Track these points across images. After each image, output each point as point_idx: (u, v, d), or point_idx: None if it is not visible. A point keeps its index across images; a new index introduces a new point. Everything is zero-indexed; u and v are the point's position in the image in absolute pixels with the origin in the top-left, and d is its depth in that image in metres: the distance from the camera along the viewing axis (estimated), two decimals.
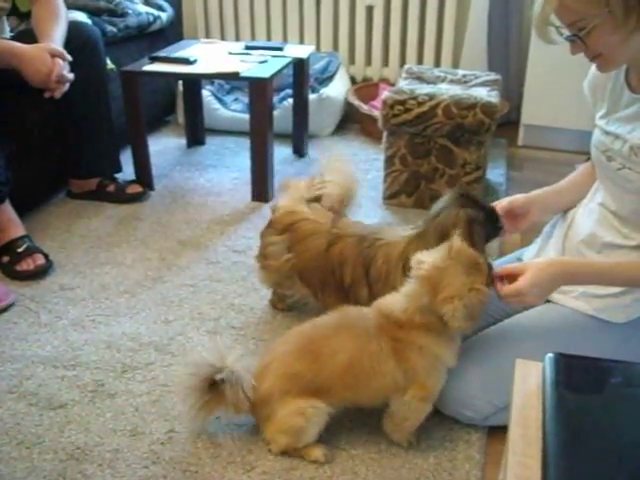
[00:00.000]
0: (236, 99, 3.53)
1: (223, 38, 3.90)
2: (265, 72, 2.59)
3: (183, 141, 3.35)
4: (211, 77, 2.57)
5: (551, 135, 3.39)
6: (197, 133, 3.30)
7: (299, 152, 3.24)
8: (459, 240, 1.58)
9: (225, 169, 3.13)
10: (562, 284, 1.61)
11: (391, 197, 2.83)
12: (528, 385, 1.05)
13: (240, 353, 1.69)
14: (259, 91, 2.56)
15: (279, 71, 2.68)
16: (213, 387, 1.63)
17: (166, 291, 2.24)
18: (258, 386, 1.65)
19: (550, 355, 1.06)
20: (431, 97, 2.60)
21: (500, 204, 1.87)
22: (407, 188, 2.79)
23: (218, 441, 1.67)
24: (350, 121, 3.65)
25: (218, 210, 2.75)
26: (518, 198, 1.88)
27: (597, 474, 0.85)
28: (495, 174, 3.08)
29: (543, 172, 3.21)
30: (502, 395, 1.67)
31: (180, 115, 3.45)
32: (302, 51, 2.97)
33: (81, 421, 1.71)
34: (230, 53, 2.83)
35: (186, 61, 2.65)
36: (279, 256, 2.02)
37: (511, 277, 1.58)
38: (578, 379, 1.01)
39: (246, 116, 3.34)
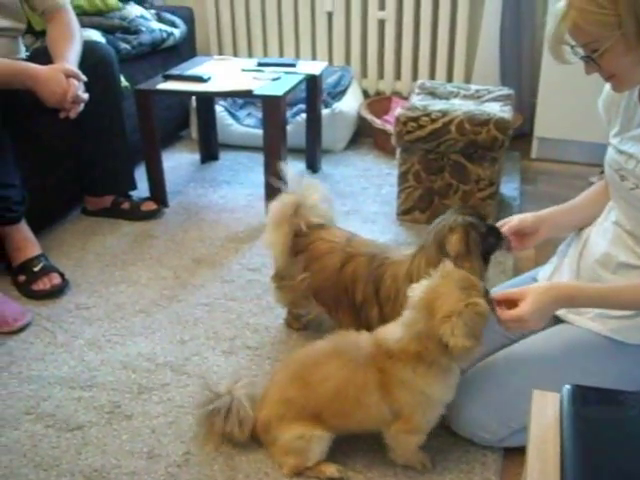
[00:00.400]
0: (249, 114, 3.54)
1: (236, 54, 3.92)
2: (278, 90, 2.60)
3: (197, 157, 3.37)
4: (224, 95, 2.58)
5: (564, 148, 3.37)
6: (211, 149, 3.32)
7: (313, 167, 3.25)
8: (450, 263, 1.57)
9: (239, 185, 3.14)
10: (562, 307, 1.60)
11: (405, 213, 2.83)
12: (546, 417, 1.05)
13: (246, 382, 1.73)
14: (272, 109, 2.57)
15: (292, 88, 2.70)
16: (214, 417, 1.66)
17: (181, 310, 2.25)
18: (259, 412, 1.67)
19: (567, 387, 1.05)
20: (444, 113, 2.60)
21: (509, 224, 1.87)
22: (421, 204, 2.79)
23: (234, 463, 1.67)
24: (363, 135, 3.66)
25: (232, 227, 2.76)
26: (527, 217, 1.87)
27: None
28: (509, 188, 3.08)
29: (557, 185, 3.20)
30: (518, 417, 1.67)
31: (194, 130, 3.47)
32: (315, 67, 2.99)
33: (98, 443, 1.72)
34: (243, 70, 2.84)
35: (199, 79, 2.67)
36: (295, 276, 2.03)
37: (510, 302, 1.56)
38: (596, 412, 1.01)
39: (259, 131, 3.35)
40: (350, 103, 3.51)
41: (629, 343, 1.68)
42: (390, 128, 3.36)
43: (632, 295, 1.55)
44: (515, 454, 1.72)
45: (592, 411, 1.01)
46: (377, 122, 3.45)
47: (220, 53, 3.89)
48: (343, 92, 3.53)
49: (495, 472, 1.68)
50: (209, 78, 2.69)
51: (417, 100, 2.78)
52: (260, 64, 2.93)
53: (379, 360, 1.55)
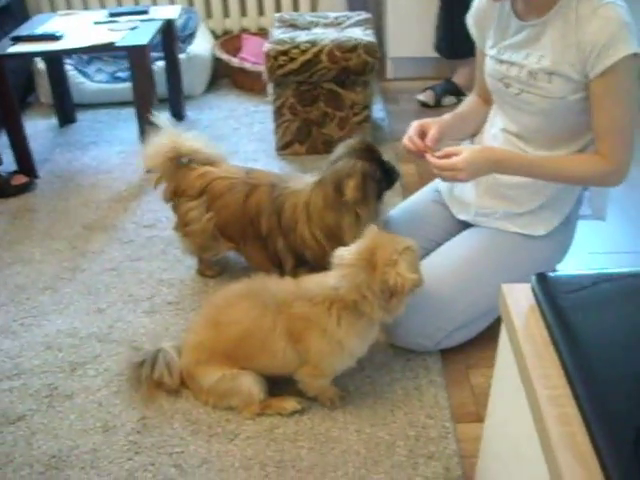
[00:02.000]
0: (99, 69, 3.36)
1: (86, 7, 3.65)
2: (141, 38, 2.49)
3: (53, 121, 3.17)
4: (86, 51, 2.43)
5: (417, 65, 3.51)
6: (67, 111, 3.13)
7: (178, 115, 3.17)
8: (374, 226, 1.63)
9: (107, 144, 3.00)
10: (493, 170, 1.69)
11: (284, 147, 2.85)
12: (521, 307, 1.14)
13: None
14: (139, 59, 2.46)
15: (155, 35, 2.58)
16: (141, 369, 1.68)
17: (88, 279, 2.16)
18: (181, 360, 1.70)
19: (533, 277, 1.15)
20: (313, 44, 2.62)
21: (430, 136, 1.84)
22: (299, 136, 2.82)
23: (193, 417, 1.67)
24: (219, 76, 3.60)
25: (114, 187, 2.66)
26: (426, 120, 1.89)
27: (613, 360, 0.96)
28: (375, 110, 3.16)
29: (416, 101, 3.34)
30: (450, 320, 1.80)
31: (43, 94, 3.25)
32: (169, 11, 2.87)
33: (46, 429, 1.65)
34: (96, 23, 2.68)
35: (52, 37, 2.49)
36: (200, 219, 2.02)
37: (447, 157, 1.65)
38: (567, 292, 1.11)
39: (113, 86, 3.25)
40: (202, 45, 3.43)
41: (536, 235, 1.85)
42: (248, 65, 3.35)
43: (555, 164, 1.69)
44: (450, 353, 1.86)
45: (564, 291, 1.11)
46: (234, 61, 3.40)
47: (53, 9, 3.60)
48: (192, 35, 3.44)
49: (438, 373, 1.80)
50: (62, 35, 2.51)
51: (280, 33, 2.77)
52: (112, 14, 2.78)
53: (298, 306, 1.57)
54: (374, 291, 1.51)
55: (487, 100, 1.98)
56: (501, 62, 1.76)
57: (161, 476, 1.53)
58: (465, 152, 1.61)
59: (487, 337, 1.89)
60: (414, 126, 1.82)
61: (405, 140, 1.78)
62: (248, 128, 3.11)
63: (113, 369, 1.82)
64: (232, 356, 1.61)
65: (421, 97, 3.30)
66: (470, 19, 1.87)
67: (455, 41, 3.05)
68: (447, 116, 1.95)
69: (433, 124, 1.82)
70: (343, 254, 1.57)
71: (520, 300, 1.16)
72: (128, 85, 3.19)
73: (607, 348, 1.01)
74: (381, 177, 1.86)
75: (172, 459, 1.57)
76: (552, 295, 1.11)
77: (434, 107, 3.27)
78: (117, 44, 2.45)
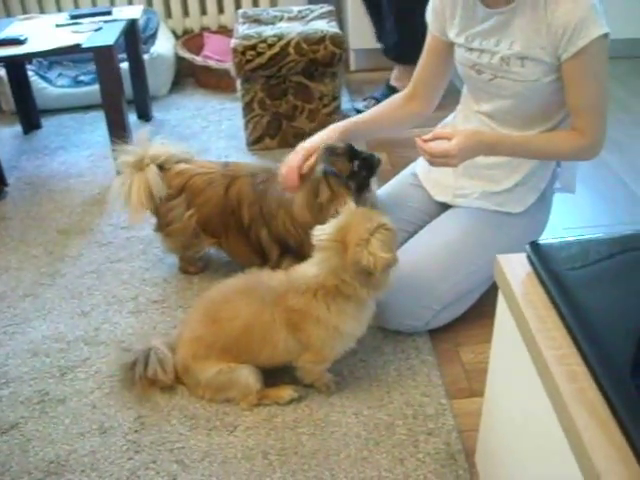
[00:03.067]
0: (60, 74, 3.30)
1: (42, 11, 3.58)
2: (107, 39, 2.46)
3: (17, 128, 3.10)
4: (53, 54, 2.39)
5: (380, 56, 3.53)
6: (31, 117, 3.07)
7: (145, 116, 3.14)
8: (351, 203, 1.63)
9: (75, 148, 2.96)
10: (483, 153, 1.71)
11: (255, 142, 2.85)
12: (518, 274, 1.17)
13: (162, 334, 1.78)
14: (106, 60, 2.43)
15: (120, 36, 2.56)
16: (134, 368, 1.67)
17: (69, 283, 2.13)
18: (176, 356, 1.69)
19: (528, 246, 1.17)
20: (280, 37, 2.62)
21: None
22: (270, 130, 2.82)
23: (191, 412, 1.67)
24: (183, 76, 3.57)
25: (86, 191, 2.62)
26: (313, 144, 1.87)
27: (613, 316, 0.99)
28: (342, 101, 3.18)
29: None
30: (438, 299, 1.83)
31: (4, 102, 3.18)
32: (132, 11, 2.84)
33: (41, 435, 1.63)
34: (58, 25, 2.64)
35: (16, 41, 2.44)
36: (181, 217, 2.01)
37: (438, 139, 1.65)
38: (562, 257, 1.14)
39: (76, 90, 3.22)
40: (165, 45, 3.40)
41: (514, 213, 1.88)
42: (212, 63, 3.34)
43: (538, 143, 1.73)
44: (438, 333, 1.89)
45: (559, 257, 1.14)
46: (198, 59, 3.38)
47: (8, 14, 3.53)
48: (153, 35, 3.41)
49: (428, 352, 1.83)
50: (26, 39, 2.47)
51: (245, 29, 2.77)
52: (73, 17, 2.73)
53: (290, 299, 1.58)
54: (350, 273, 1.51)
55: (418, 96, 1.95)
56: (471, 50, 1.78)
57: (164, 473, 1.52)
58: (456, 137, 1.61)
59: (473, 315, 1.92)
60: (301, 153, 1.81)
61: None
62: (216, 126, 3.10)
63: (104, 371, 1.80)
64: (233, 350, 1.61)
65: (361, 106, 3.18)
66: (430, 13, 1.87)
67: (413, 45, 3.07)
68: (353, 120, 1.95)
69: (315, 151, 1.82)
70: (319, 235, 1.56)
71: (516, 269, 1.18)
72: (92, 88, 3.18)
73: (605, 306, 1.04)
74: (358, 168, 1.87)
75: (173, 455, 1.56)
76: (548, 261, 1.14)
77: None
78: (83, 45, 2.41)
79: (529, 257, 1.17)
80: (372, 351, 1.83)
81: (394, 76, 3.22)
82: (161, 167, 2.01)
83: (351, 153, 1.88)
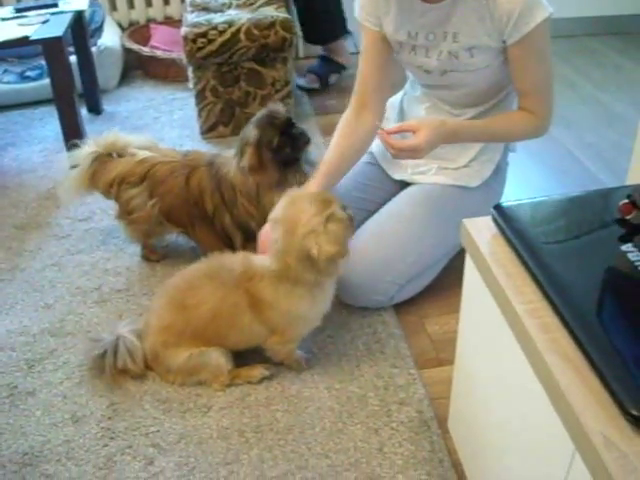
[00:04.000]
0: (6, 71, 3.22)
1: None
2: (56, 30, 2.42)
3: None
4: (0, 47, 2.34)
5: None
6: None
7: (95, 110, 3.09)
8: (296, 189, 1.63)
9: (26, 144, 2.89)
10: (448, 142, 1.73)
11: (209, 130, 2.85)
12: (484, 236, 1.21)
13: (128, 321, 1.77)
14: (56, 52, 2.39)
15: (68, 27, 2.52)
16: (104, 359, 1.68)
17: (30, 277, 2.10)
18: (144, 344, 1.69)
19: (492, 210, 1.21)
20: (230, 24, 2.62)
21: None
22: (223, 118, 2.82)
23: (163, 397, 1.67)
24: (131, 68, 3.53)
25: (40, 186, 2.58)
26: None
27: (577, 268, 1.04)
28: (293, 87, 3.19)
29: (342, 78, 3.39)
30: (401, 274, 1.86)
31: None
32: (79, 3, 2.79)
33: (13, 428, 1.61)
34: (3, 19, 2.58)
35: None
36: (144, 205, 2.00)
37: (403, 132, 1.67)
38: (525, 217, 1.19)
39: (23, 86, 3.17)
40: (111, 37, 3.35)
41: (471, 187, 1.93)
42: (160, 53, 3.32)
43: (496, 128, 1.76)
44: (403, 307, 1.93)
45: (522, 217, 1.19)
46: (145, 50, 3.35)
47: None
48: (99, 28, 3.36)
49: (395, 326, 1.87)
50: None
51: (194, 17, 2.76)
52: (18, 10, 2.68)
53: (247, 282, 1.58)
54: (294, 259, 1.49)
55: (367, 105, 1.84)
56: (416, 47, 1.75)
57: (140, 457, 1.52)
58: (422, 131, 1.61)
59: (436, 288, 1.97)
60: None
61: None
62: (168, 116, 3.08)
63: (72, 361, 1.78)
64: (203, 336, 1.62)
65: (302, 82, 3.24)
66: (359, 12, 1.80)
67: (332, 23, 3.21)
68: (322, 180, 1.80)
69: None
70: (271, 215, 1.58)
71: (482, 231, 1.22)
72: (39, 84, 3.14)
73: (569, 258, 1.09)
74: (283, 143, 1.88)
75: (149, 439, 1.56)
76: (512, 221, 1.18)
77: (321, 90, 3.27)
78: (32, 38, 2.37)
79: (494, 219, 1.21)
80: (339, 327, 1.86)
81: (331, 48, 3.32)
82: (120, 155, 2.01)
83: (285, 126, 1.90)
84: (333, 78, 3.32)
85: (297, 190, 1.61)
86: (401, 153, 1.66)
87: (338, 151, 1.82)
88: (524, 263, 1.09)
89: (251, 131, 1.88)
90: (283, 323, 1.61)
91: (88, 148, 2.03)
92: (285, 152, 1.89)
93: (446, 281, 1.97)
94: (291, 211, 1.52)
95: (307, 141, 1.94)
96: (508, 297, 1.06)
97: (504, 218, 1.19)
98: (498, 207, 1.22)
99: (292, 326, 1.63)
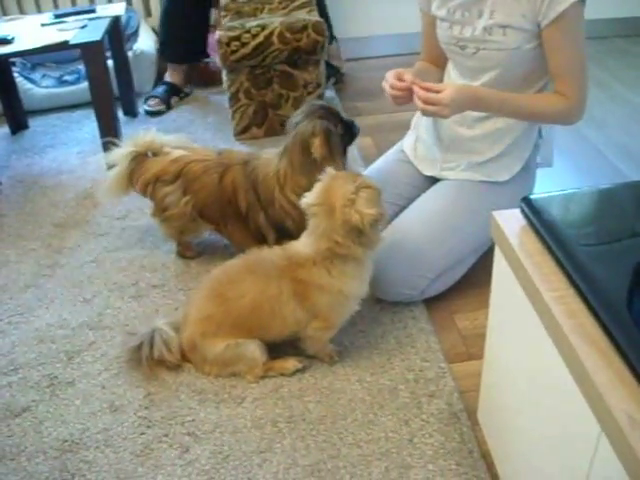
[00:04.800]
0: (44, 75, 3.32)
1: (22, 12, 3.57)
2: (94, 35, 2.49)
3: (4, 130, 3.11)
4: (42, 51, 2.40)
5: (360, 45, 3.60)
6: (18, 117, 3.08)
7: (131, 112, 3.16)
8: (331, 169, 1.67)
9: (64, 146, 2.98)
10: (473, 107, 1.77)
11: (243, 132, 2.90)
12: (513, 227, 1.23)
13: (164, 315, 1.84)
14: (94, 55, 2.46)
15: (106, 32, 2.59)
16: (140, 351, 1.73)
17: (69, 274, 2.16)
18: (183, 334, 1.73)
19: (521, 202, 1.24)
20: (263, 27, 2.67)
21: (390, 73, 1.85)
22: (256, 120, 2.87)
23: (198, 387, 1.71)
24: (165, 72, 3.59)
25: (79, 186, 2.65)
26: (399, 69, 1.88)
27: (604, 257, 1.06)
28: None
29: (364, 80, 3.44)
30: (431, 267, 1.89)
31: None
32: (116, 9, 2.87)
33: (53, 417, 1.66)
34: (43, 25, 2.67)
35: (4, 41, 2.46)
36: (177, 203, 2.05)
37: (430, 91, 1.70)
38: (553, 208, 1.21)
39: (61, 90, 3.26)
40: (147, 42, 3.43)
41: (501, 181, 1.95)
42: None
43: (526, 102, 1.78)
44: (434, 302, 1.95)
45: (551, 210, 1.21)
46: None
47: None
48: (135, 33, 3.44)
49: (425, 321, 1.89)
50: (13, 38, 2.49)
51: (228, 21, 2.81)
52: (57, 16, 2.76)
53: (292, 271, 1.63)
54: (341, 234, 1.57)
55: (437, 63, 2.05)
56: (452, 24, 1.84)
57: (177, 445, 1.57)
58: (449, 89, 1.66)
59: (466, 285, 1.99)
60: (391, 74, 1.83)
61: (386, 86, 1.80)
62: (202, 119, 3.14)
63: (110, 353, 1.83)
64: (244, 327, 1.66)
65: (149, 107, 3.22)
66: None
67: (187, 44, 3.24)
68: (414, 70, 1.99)
69: (407, 72, 1.83)
70: (306, 202, 1.62)
71: (511, 223, 1.24)
72: (76, 88, 3.23)
73: (596, 247, 1.11)
74: (343, 132, 1.92)
75: (185, 428, 1.61)
76: (540, 212, 1.20)
77: (166, 112, 3.26)
78: (71, 42, 2.44)
79: (523, 211, 1.23)
80: (371, 322, 1.89)
81: (169, 73, 3.36)
82: (155, 154, 2.07)
83: (338, 116, 1.94)
84: (173, 100, 3.33)
85: (327, 174, 1.65)
86: (427, 106, 1.68)
87: (420, 69, 2.03)
88: (551, 253, 1.11)
89: (314, 122, 1.88)
90: (330, 306, 1.65)
91: (126, 148, 2.09)
92: (346, 138, 1.93)
93: (475, 278, 1.99)
94: (324, 193, 1.60)
95: (358, 129, 1.98)
96: (536, 285, 1.08)
97: (532, 210, 1.21)
98: (526, 199, 1.24)
99: (337, 309, 1.67)
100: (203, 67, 3.44)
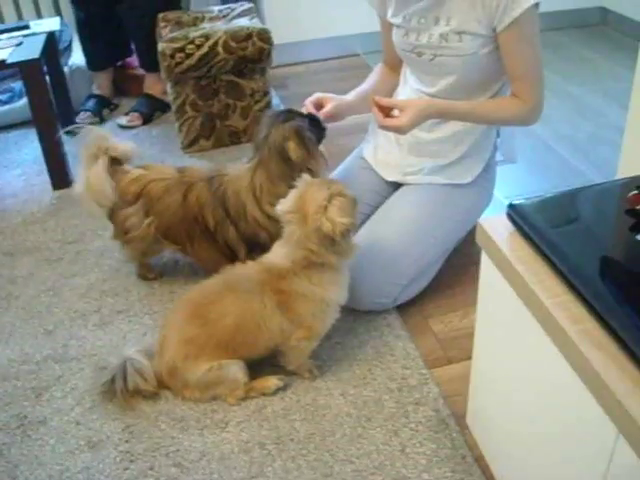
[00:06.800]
0: None
1: None
2: (32, 52, 2.39)
3: None
4: None
5: (297, 50, 3.58)
6: None
7: (70, 130, 3.04)
8: (306, 175, 1.67)
9: (4, 169, 2.85)
10: (434, 118, 1.83)
11: (190, 144, 2.84)
12: (501, 235, 1.23)
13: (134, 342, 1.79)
14: (34, 74, 2.36)
15: (44, 49, 2.49)
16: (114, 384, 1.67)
17: (26, 304, 2.06)
18: (160, 359, 1.68)
19: (507, 207, 1.24)
20: (207, 37, 2.61)
21: (326, 109, 1.93)
22: (204, 131, 2.81)
23: (179, 415, 1.66)
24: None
25: (25, 210, 2.54)
26: (327, 95, 1.99)
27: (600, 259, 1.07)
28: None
29: (305, 84, 3.41)
30: (403, 273, 1.88)
31: None
32: (50, 24, 2.76)
33: (28, 459, 1.58)
34: None
35: None
36: (140, 224, 1.98)
37: (387, 110, 1.73)
38: (540, 213, 1.21)
39: None
40: (81, 57, 3.31)
41: (464, 183, 1.96)
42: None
43: (484, 110, 1.82)
44: (406, 308, 1.95)
45: (537, 213, 1.21)
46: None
47: None
48: (68, 47, 3.33)
49: (400, 327, 1.89)
50: None
51: (169, 32, 2.74)
52: None
53: (274, 283, 1.61)
54: (314, 242, 1.56)
55: (395, 67, 2.08)
56: (408, 31, 1.85)
57: (164, 478, 1.51)
58: (410, 110, 1.68)
59: (436, 287, 1.99)
60: (314, 97, 1.94)
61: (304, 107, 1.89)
62: (147, 132, 3.06)
63: (81, 386, 1.76)
64: (229, 347, 1.62)
65: (124, 122, 3.14)
66: (372, 1, 1.96)
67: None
68: (349, 96, 2.04)
69: (331, 100, 1.93)
70: (281, 210, 1.61)
71: (499, 230, 1.24)
72: (10, 107, 3.09)
73: (588, 250, 1.12)
74: (312, 127, 1.89)
75: (170, 459, 1.55)
76: (529, 218, 1.20)
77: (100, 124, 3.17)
78: (8, 61, 2.34)
79: (510, 217, 1.23)
80: (346, 333, 1.87)
81: (147, 85, 3.25)
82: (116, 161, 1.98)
83: (303, 115, 1.91)
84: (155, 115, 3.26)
85: (302, 181, 1.63)
86: (386, 129, 1.76)
87: (371, 84, 2.09)
88: (546, 258, 1.12)
89: (283, 126, 1.84)
90: (314, 315, 1.63)
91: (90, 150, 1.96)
92: (318, 134, 1.89)
93: (444, 279, 2.00)
94: (299, 200, 1.58)
95: (325, 127, 1.93)
96: (535, 292, 1.08)
97: (520, 216, 1.21)
98: (512, 205, 1.24)
99: (320, 317, 1.65)
100: (131, 75, 3.35)
